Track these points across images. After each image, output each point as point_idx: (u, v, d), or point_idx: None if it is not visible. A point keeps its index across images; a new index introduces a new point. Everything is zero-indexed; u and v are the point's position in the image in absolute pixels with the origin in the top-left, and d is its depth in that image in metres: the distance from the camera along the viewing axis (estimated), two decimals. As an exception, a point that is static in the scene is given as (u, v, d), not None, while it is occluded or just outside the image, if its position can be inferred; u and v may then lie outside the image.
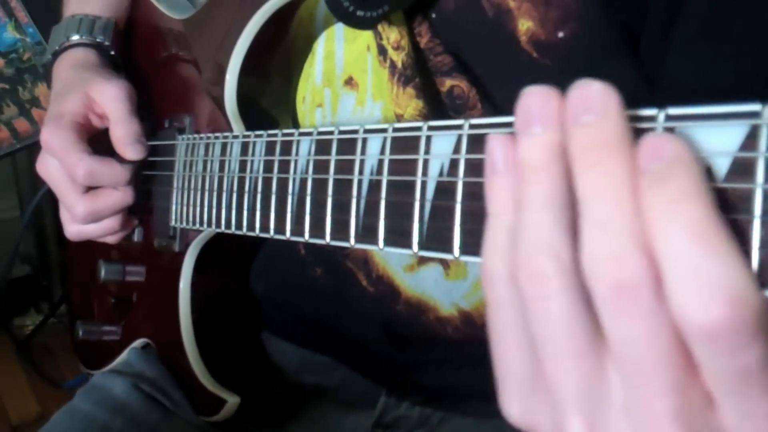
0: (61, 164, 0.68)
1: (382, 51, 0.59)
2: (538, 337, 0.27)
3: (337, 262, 0.67)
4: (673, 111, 0.27)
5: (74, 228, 0.71)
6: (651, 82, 0.50)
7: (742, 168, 0.24)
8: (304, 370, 0.76)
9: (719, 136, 0.25)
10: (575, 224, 0.26)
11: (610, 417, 0.27)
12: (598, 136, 0.26)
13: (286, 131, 0.49)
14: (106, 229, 0.71)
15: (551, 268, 0.26)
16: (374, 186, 0.39)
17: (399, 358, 0.66)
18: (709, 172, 0.25)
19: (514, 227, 0.28)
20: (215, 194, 0.59)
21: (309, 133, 0.46)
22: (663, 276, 0.24)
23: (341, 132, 0.42)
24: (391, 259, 0.63)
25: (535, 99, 0.28)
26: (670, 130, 0.26)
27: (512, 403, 0.30)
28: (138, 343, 0.77)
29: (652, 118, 0.27)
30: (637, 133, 0.27)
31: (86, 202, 0.68)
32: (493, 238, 0.29)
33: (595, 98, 0.27)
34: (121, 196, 0.69)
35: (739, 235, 0.24)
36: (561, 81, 0.51)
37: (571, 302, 0.26)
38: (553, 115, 0.28)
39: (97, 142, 0.70)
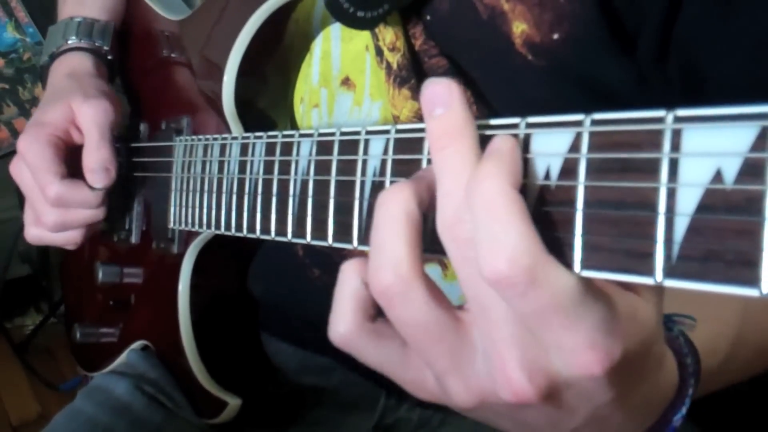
0: (33, 178, 0.68)
1: (378, 52, 0.59)
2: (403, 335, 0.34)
3: (334, 264, 0.66)
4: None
5: (36, 231, 0.71)
6: (646, 80, 0.50)
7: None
8: (303, 371, 0.76)
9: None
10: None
11: (468, 370, 0.32)
12: (448, 125, 0.31)
13: (286, 132, 0.48)
14: (67, 240, 0.71)
15: (391, 280, 0.32)
16: (377, 187, 0.39)
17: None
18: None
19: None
20: (214, 196, 0.58)
21: (310, 135, 0.45)
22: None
23: (342, 133, 0.42)
24: None
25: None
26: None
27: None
28: (137, 345, 0.76)
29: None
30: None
31: (57, 213, 0.68)
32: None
33: (442, 93, 0.31)
34: (93, 213, 0.69)
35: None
36: (556, 82, 0.51)
37: (421, 307, 0.32)
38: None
39: (76, 156, 0.70)
